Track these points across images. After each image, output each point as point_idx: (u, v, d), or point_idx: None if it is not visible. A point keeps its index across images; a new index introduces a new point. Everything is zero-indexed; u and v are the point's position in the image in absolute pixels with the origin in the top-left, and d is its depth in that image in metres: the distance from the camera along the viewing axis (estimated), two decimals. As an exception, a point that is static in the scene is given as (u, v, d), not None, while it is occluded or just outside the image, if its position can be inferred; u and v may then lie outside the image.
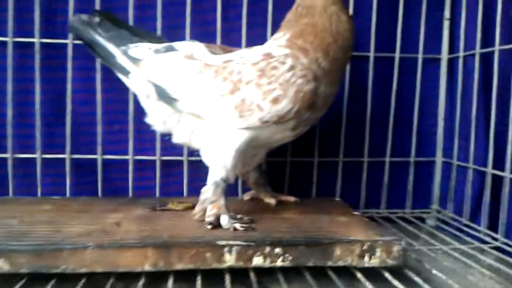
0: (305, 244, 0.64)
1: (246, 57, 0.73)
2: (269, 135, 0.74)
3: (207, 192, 0.72)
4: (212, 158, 0.74)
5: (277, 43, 0.74)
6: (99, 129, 0.92)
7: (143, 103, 0.80)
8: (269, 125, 0.71)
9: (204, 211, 0.71)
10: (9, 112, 0.89)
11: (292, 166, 0.98)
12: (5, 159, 0.90)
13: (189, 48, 0.76)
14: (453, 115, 0.98)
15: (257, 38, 0.93)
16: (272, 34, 0.91)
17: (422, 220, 0.98)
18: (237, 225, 0.68)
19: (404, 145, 1.00)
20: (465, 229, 0.87)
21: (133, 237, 0.64)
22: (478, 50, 0.89)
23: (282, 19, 0.93)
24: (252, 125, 0.71)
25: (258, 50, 0.74)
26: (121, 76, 0.80)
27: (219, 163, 0.72)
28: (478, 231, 0.85)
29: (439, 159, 1.01)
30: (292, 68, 0.70)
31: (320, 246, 0.64)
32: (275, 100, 0.69)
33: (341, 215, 0.78)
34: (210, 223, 0.69)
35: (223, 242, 0.62)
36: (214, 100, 0.71)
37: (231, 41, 0.93)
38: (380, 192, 1.00)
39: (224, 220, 0.69)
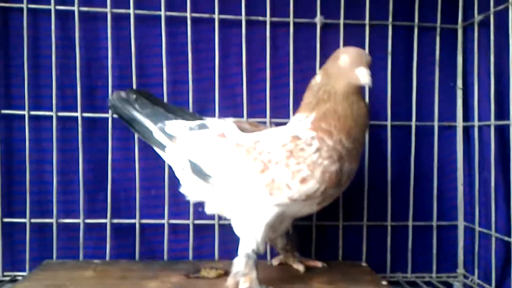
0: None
1: (275, 138, 0.79)
2: (296, 209, 0.79)
3: (239, 264, 0.76)
4: (243, 230, 0.79)
5: (303, 125, 0.79)
6: (137, 195, 0.98)
7: (178, 174, 0.86)
8: (298, 202, 0.76)
9: (237, 284, 0.75)
10: (54, 180, 0.97)
11: (318, 230, 1.01)
12: (50, 224, 0.97)
13: (221, 126, 0.82)
14: (472, 181, 1.01)
15: (280, 108, 1.01)
16: (295, 104, 0.99)
17: (449, 285, 0.99)
18: (270, 299, 0.72)
19: (426, 209, 1.03)
20: (493, 296, 0.89)
21: (173, 311, 0.69)
22: (492, 121, 0.93)
23: (302, 90, 0.99)
24: (282, 202, 0.76)
25: (286, 132, 0.79)
26: (157, 150, 0.87)
27: (250, 236, 0.77)
28: (506, 299, 0.86)
29: (461, 223, 1.03)
30: (318, 150, 0.75)
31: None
32: (303, 180, 0.74)
33: (370, 285, 0.81)
34: (243, 297, 0.73)
35: (258, 319, 0.66)
36: (245, 178, 0.77)
37: (256, 111, 1.01)
38: (406, 255, 1.02)
39: (257, 294, 0.73)
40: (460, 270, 1.02)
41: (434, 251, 1.02)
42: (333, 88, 0.78)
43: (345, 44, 1.00)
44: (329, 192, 0.77)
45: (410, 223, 1.02)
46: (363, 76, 0.76)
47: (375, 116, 1.00)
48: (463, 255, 1.03)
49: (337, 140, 0.76)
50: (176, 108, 0.89)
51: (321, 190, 0.75)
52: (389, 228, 1.02)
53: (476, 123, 0.98)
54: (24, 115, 0.96)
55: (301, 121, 0.80)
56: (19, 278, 0.89)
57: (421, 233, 1.03)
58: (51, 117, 0.97)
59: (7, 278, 0.94)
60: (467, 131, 1.03)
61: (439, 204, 1.03)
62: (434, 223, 1.03)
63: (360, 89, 0.80)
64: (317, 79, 0.80)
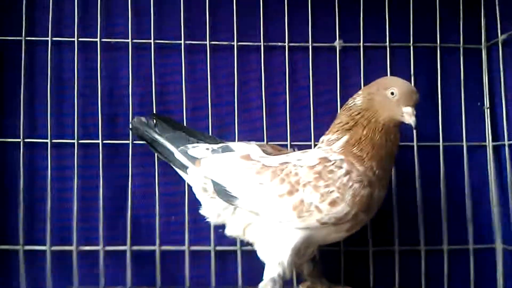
0: None
1: (302, 159, 0.77)
2: (325, 235, 0.76)
3: (265, 289, 0.73)
4: (269, 254, 0.75)
5: (332, 148, 0.77)
6: (157, 221, 0.96)
7: (199, 196, 0.84)
8: (327, 226, 0.73)
9: (264, 308, 0.72)
10: (75, 207, 0.96)
11: (347, 256, 0.97)
12: (70, 251, 0.95)
13: (245, 148, 0.82)
14: (506, 201, 0.96)
15: (301, 131, 1.00)
16: (315, 127, 0.98)
17: (489, 313, 0.93)
18: (299, 326, 0.68)
19: (461, 233, 0.98)
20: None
21: None
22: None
23: (322, 113, 1.00)
24: (311, 225, 0.73)
25: (314, 154, 0.78)
26: (179, 171, 0.86)
27: (276, 260, 0.74)
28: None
29: (499, 245, 0.98)
30: (348, 172, 0.73)
31: None
32: (333, 203, 0.72)
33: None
34: (271, 324, 0.69)
35: None
36: (272, 200, 0.75)
37: (276, 135, 0.99)
38: (441, 281, 0.96)
39: (285, 320, 0.69)
40: (501, 296, 0.96)
41: (472, 276, 0.97)
42: (374, 116, 0.76)
43: (365, 67, 1.00)
44: (359, 217, 0.74)
45: (445, 247, 0.97)
46: (410, 117, 0.75)
47: (402, 138, 0.97)
48: (502, 279, 0.97)
49: (368, 167, 0.74)
50: (196, 132, 0.89)
51: (352, 213, 0.72)
52: (422, 253, 0.97)
53: (506, 141, 0.95)
54: (47, 143, 0.97)
55: (330, 143, 0.78)
56: (39, 307, 0.87)
57: (457, 257, 0.98)
58: (73, 144, 0.97)
59: (27, 308, 0.92)
60: (498, 150, 1.00)
61: (474, 226, 0.98)
62: (471, 246, 0.97)
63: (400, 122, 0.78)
64: (358, 101, 0.78)
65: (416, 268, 0.97)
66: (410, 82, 0.98)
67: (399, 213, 0.97)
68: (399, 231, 0.97)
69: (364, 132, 0.76)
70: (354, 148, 0.75)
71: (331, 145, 0.78)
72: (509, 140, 0.95)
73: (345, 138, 0.77)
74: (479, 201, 0.99)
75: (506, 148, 0.95)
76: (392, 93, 0.76)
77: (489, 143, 1.00)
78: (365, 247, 0.97)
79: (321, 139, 0.82)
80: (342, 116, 0.79)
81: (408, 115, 0.75)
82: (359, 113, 0.77)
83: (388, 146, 0.76)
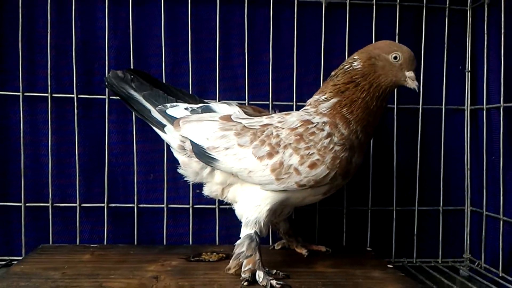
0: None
1: (284, 122, 0.76)
2: (302, 197, 0.77)
3: (242, 246, 0.74)
4: (246, 214, 0.76)
5: (318, 109, 0.76)
6: (135, 178, 0.95)
7: (176, 154, 0.83)
8: (305, 189, 0.74)
9: (239, 265, 0.73)
10: (50, 163, 0.94)
11: (321, 215, 0.99)
12: (46, 207, 0.94)
13: (226, 109, 0.80)
14: (480, 165, 0.98)
15: (283, 91, 0.98)
16: (298, 88, 0.97)
17: (455, 269, 0.97)
18: (273, 282, 0.69)
19: (432, 194, 1.00)
20: (501, 281, 0.87)
21: (173, 294, 0.66)
22: (502, 104, 0.90)
23: (306, 73, 0.98)
24: (289, 188, 0.73)
25: (296, 116, 0.76)
26: (156, 130, 0.84)
27: (253, 219, 0.75)
28: (514, 284, 0.84)
29: (468, 208, 1.01)
30: (330, 135, 0.73)
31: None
32: (313, 165, 0.72)
33: (376, 269, 0.79)
34: (246, 280, 0.70)
35: (262, 302, 0.64)
36: (252, 163, 0.74)
37: (259, 95, 0.98)
38: (411, 240, 0.99)
39: (260, 277, 0.70)
40: (467, 255, 1.00)
41: (440, 236, 1.00)
42: (377, 81, 0.75)
43: (351, 26, 0.98)
44: (337, 181, 0.74)
45: (416, 207, 0.99)
46: (413, 81, 0.76)
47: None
48: (469, 240, 1.01)
49: (352, 130, 0.74)
50: (176, 89, 0.87)
51: (331, 176, 0.72)
52: (394, 213, 0.99)
53: (484, 105, 0.96)
54: (18, 96, 0.93)
55: (320, 103, 0.76)
56: (15, 262, 0.87)
57: (427, 218, 1.01)
58: (47, 98, 0.94)
59: (3, 263, 0.92)
60: (475, 114, 1.01)
61: (446, 189, 1.00)
62: (441, 208, 1.00)
63: None
64: (356, 65, 0.76)
65: (388, 227, 0.99)
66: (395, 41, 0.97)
67: (374, 174, 0.99)
68: (373, 192, 0.99)
69: (363, 95, 0.75)
70: (345, 109, 0.75)
71: (318, 106, 0.77)
72: (487, 104, 0.96)
73: (336, 99, 0.76)
74: (453, 165, 1.01)
75: (484, 112, 0.96)
76: (395, 58, 0.75)
77: (468, 107, 1.01)
78: (340, 207, 0.99)
79: (308, 102, 0.80)
80: (338, 79, 0.77)
81: (411, 80, 0.76)
82: (362, 77, 0.75)
83: (378, 113, 0.76)
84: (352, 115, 0.75)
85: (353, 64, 0.76)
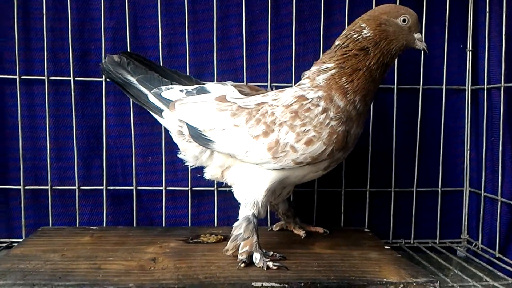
0: (338, 287, 0.65)
1: (279, 99, 0.75)
2: (301, 174, 0.76)
3: (239, 228, 0.74)
4: (244, 195, 0.76)
5: (315, 80, 0.75)
6: (133, 161, 0.95)
7: (175, 139, 0.83)
8: (302, 166, 0.73)
9: (237, 247, 0.73)
10: (48, 146, 0.94)
11: (320, 196, 0.99)
12: (45, 190, 0.95)
13: (221, 89, 0.79)
14: (479, 146, 0.98)
15: (282, 72, 0.97)
16: (297, 68, 0.95)
17: (452, 250, 0.98)
18: (270, 264, 0.70)
19: (431, 175, 1.00)
20: (497, 262, 0.87)
21: (170, 276, 0.67)
22: (503, 84, 0.89)
23: (305, 53, 0.97)
24: (286, 166, 0.73)
25: (291, 93, 0.75)
26: (154, 114, 0.84)
27: (251, 200, 0.75)
28: (510, 265, 0.85)
29: (466, 189, 1.01)
30: (325, 110, 0.72)
31: (353, 289, 0.65)
32: (309, 142, 0.71)
33: (372, 250, 0.79)
34: (243, 262, 0.71)
35: (258, 284, 0.64)
36: (248, 142, 0.74)
37: (257, 76, 0.97)
38: (409, 221, 1.00)
39: (257, 259, 0.71)
40: (464, 235, 1.01)
41: (438, 217, 1.00)
42: (387, 47, 0.73)
43: (351, 4, 0.95)
44: (336, 156, 0.74)
45: (415, 189, 0.99)
46: (422, 42, 0.75)
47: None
48: (467, 220, 1.01)
49: (350, 101, 0.73)
50: (171, 71, 0.86)
51: (328, 152, 0.72)
52: (392, 194, 0.99)
53: (485, 85, 0.95)
54: (15, 79, 0.92)
55: (319, 74, 0.75)
56: (15, 244, 0.88)
57: (426, 199, 1.01)
58: (43, 81, 0.93)
59: (3, 245, 0.93)
60: (476, 94, 0.99)
61: (445, 169, 1.00)
62: (439, 189, 1.00)
63: None
64: (366, 33, 0.73)
65: (386, 208, 0.99)
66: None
67: (373, 155, 0.98)
68: (372, 173, 0.99)
69: (371, 63, 0.73)
70: (344, 79, 0.73)
71: (316, 77, 0.75)
72: (488, 84, 0.94)
73: (335, 70, 0.74)
74: (452, 146, 1.01)
75: (485, 92, 0.95)
76: (404, 21, 0.74)
77: (469, 87, 0.99)
78: (338, 188, 0.99)
79: (305, 74, 0.78)
80: (348, 48, 0.74)
81: (419, 41, 0.75)
82: (375, 45, 0.73)
83: (378, 80, 0.75)
84: (351, 85, 0.73)
85: (362, 32, 0.74)
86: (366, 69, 0.73)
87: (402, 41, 0.74)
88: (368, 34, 0.73)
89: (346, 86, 0.73)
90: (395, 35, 0.74)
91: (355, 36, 0.74)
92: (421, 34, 0.76)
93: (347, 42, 0.74)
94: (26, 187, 0.94)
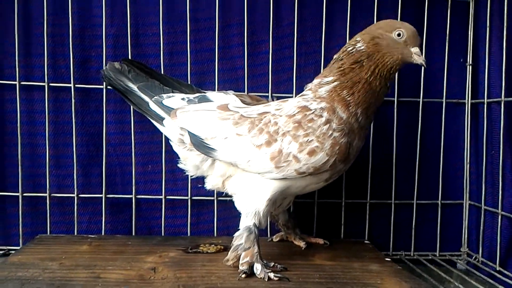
0: (339, 299, 0.65)
1: (282, 109, 0.75)
2: (303, 185, 0.76)
3: (240, 238, 0.73)
4: (246, 204, 0.76)
5: (317, 93, 0.75)
6: (133, 169, 0.95)
7: (176, 148, 0.83)
8: (305, 176, 0.73)
9: (238, 257, 0.73)
10: (47, 153, 0.93)
11: (320, 208, 0.99)
12: (43, 197, 0.94)
13: (223, 98, 0.79)
14: (479, 159, 0.98)
15: (283, 82, 0.97)
16: (298, 79, 0.95)
17: (452, 263, 0.98)
18: (271, 275, 0.69)
19: (431, 188, 1.00)
20: (497, 275, 0.87)
21: (170, 286, 0.67)
22: (503, 98, 0.90)
23: (306, 64, 0.97)
24: (288, 175, 0.73)
25: (294, 103, 0.76)
26: (154, 123, 0.84)
27: (252, 210, 0.74)
28: (511, 278, 0.84)
29: (466, 202, 1.01)
30: (328, 121, 0.72)
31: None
32: (312, 152, 0.71)
33: (373, 262, 0.79)
34: (244, 272, 0.70)
35: (260, 295, 0.64)
36: (250, 151, 0.74)
37: (258, 86, 0.97)
38: (409, 233, 0.99)
39: (258, 269, 0.71)
40: (464, 248, 1.00)
41: (438, 229, 1.00)
42: (381, 60, 0.74)
43: (352, 16, 0.96)
44: (338, 167, 0.74)
45: (415, 201, 0.99)
46: (419, 56, 0.74)
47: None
48: (467, 233, 1.01)
49: (352, 113, 0.73)
50: (172, 79, 0.86)
51: (331, 163, 0.72)
52: (392, 206, 0.99)
53: (485, 99, 0.95)
54: (15, 85, 0.92)
55: (320, 86, 0.75)
56: (12, 252, 0.86)
57: (426, 211, 1.00)
58: (44, 87, 0.93)
59: (1, 252, 0.92)
60: (476, 108, 1.00)
61: (445, 182, 1.00)
62: (439, 201, 1.00)
63: None
64: (360, 47, 0.75)
65: (386, 220, 0.99)
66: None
67: (373, 167, 0.98)
68: (372, 185, 0.99)
69: (367, 75, 0.74)
70: (345, 92, 0.74)
71: (318, 89, 0.76)
72: (488, 98, 0.95)
73: (337, 82, 0.75)
74: (452, 159, 1.01)
75: (485, 106, 0.95)
76: (399, 35, 0.74)
77: (468, 100, 1.00)
78: (338, 199, 0.99)
79: (307, 86, 0.79)
80: (343, 61, 0.75)
81: (417, 55, 0.75)
82: (367, 57, 0.74)
83: (380, 94, 0.75)
84: (352, 97, 0.74)
85: (356, 46, 0.75)
86: (365, 82, 0.74)
87: (397, 54, 0.74)
88: (362, 48, 0.75)
89: (348, 99, 0.74)
90: (389, 48, 0.74)
91: (349, 49, 0.76)
92: (421, 48, 0.76)
93: (343, 55, 0.76)
94: (24, 194, 0.93)
